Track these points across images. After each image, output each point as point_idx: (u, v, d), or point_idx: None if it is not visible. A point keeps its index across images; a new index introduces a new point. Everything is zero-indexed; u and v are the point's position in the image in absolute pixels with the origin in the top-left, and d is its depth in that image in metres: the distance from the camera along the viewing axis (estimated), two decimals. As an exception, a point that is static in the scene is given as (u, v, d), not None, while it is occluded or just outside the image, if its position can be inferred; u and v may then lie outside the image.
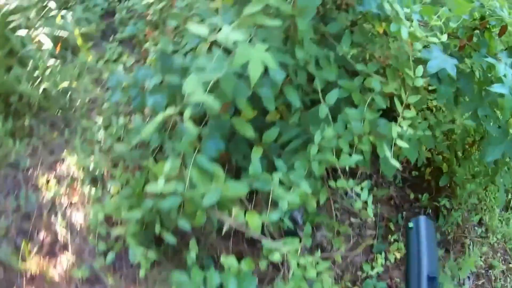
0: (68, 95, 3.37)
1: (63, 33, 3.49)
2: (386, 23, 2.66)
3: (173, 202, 2.08)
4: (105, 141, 2.97)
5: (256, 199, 2.41)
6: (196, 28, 1.84)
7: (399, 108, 2.44)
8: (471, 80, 2.86)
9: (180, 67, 2.42)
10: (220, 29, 2.03)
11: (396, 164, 2.35)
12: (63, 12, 3.55)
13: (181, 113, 1.98)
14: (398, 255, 3.10)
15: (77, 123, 3.31)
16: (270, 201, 2.17)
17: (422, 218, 1.33)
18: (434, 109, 3.36)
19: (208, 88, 1.90)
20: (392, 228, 3.30)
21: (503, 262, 3.51)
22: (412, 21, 2.40)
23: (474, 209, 3.64)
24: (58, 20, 3.49)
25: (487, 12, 2.71)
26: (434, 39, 2.40)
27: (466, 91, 2.86)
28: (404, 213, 3.41)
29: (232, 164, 2.55)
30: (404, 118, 2.43)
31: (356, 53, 2.59)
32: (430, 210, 3.49)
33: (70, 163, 3.09)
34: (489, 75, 2.91)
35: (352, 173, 2.91)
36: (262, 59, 1.83)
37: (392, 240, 3.19)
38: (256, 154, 2.34)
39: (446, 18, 2.75)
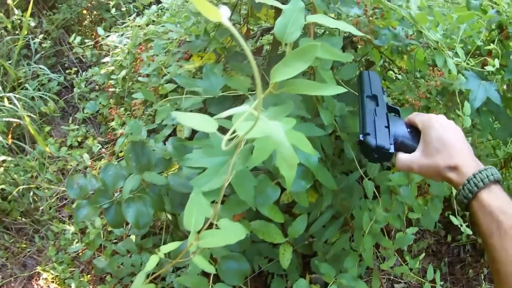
0: (31, 194, 2.51)
1: (14, 120, 2.63)
2: (408, 56, 1.91)
3: None
4: (83, 253, 2.12)
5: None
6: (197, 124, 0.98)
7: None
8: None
9: (163, 159, 1.61)
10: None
11: (457, 221, 1.62)
12: (11, 94, 2.66)
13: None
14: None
15: (47, 228, 2.46)
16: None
17: (364, 72, 1.21)
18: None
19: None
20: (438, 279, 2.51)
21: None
22: (454, 49, 1.65)
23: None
24: (6, 104, 2.62)
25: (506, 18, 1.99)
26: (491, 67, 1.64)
27: (500, 114, 2.13)
28: (446, 259, 2.62)
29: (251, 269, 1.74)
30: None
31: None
32: (470, 248, 2.72)
33: (48, 279, 2.25)
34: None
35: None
36: (295, 144, 1.03)
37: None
38: (286, 256, 1.52)
39: (466, 36, 2.03)
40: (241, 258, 1.37)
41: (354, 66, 1.77)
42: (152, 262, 1.04)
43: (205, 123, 0.85)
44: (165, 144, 1.66)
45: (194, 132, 1.65)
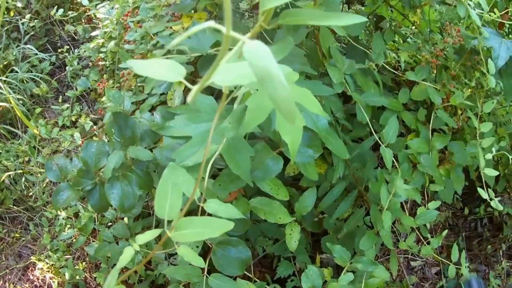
0: (23, 180, 2.27)
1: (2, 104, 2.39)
2: (421, 10, 1.65)
3: None
4: (76, 238, 1.88)
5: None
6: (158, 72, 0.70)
7: (476, 123, 1.43)
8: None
9: (149, 131, 1.35)
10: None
11: (486, 195, 1.37)
12: None
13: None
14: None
15: (41, 214, 2.23)
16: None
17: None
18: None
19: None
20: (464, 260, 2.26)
21: None
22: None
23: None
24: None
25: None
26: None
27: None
28: (463, 234, 2.36)
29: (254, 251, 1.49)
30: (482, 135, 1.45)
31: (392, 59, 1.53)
32: (487, 222, 2.46)
33: (43, 268, 2.03)
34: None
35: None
36: (301, 103, 0.78)
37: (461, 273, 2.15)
38: (294, 236, 1.26)
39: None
40: (241, 244, 1.12)
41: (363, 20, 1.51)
42: (126, 256, 0.79)
43: (168, 70, 0.59)
44: (153, 114, 1.40)
45: (187, 99, 1.39)
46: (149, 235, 0.79)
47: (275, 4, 0.63)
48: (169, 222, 0.74)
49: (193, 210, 0.97)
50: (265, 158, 1.01)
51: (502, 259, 2.36)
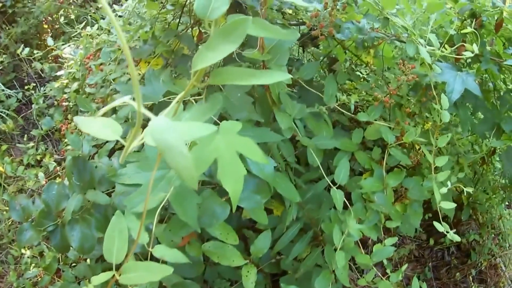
0: (-11, 217, 2.29)
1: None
2: (375, 50, 1.72)
3: None
4: (42, 277, 1.91)
5: None
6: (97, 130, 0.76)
7: (430, 158, 1.50)
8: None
9: (107, 176, 1.40)
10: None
11: (443, 228, 1.42)
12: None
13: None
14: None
15: (7, 252, 2.25)
16: None
17: None
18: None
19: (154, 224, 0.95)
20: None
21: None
22: (426, 37, 1.47)
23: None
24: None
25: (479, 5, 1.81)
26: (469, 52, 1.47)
27: (478, 107, 1.94)
28: (430, 264, 2.42)
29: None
30: (437, 169, 1.51)
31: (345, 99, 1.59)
32: (455, 250, 2.53)
33: (11, 306, 2.05)
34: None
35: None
36: (240, 152, 0.83)
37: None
38: (250, 278, 1.31)
39: (438, 26, 1.85)
40: (195, 286, 1.16)
41: (316, 64, 1.57)
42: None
43: (106, 129, 0.65)
44: (111, 159, 1.45)
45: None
46: (103, 276, 0.84)
47: (205, 65, 0.70)
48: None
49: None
50: (212, 205, 1.06)
51: (472, 284, 2.43)
